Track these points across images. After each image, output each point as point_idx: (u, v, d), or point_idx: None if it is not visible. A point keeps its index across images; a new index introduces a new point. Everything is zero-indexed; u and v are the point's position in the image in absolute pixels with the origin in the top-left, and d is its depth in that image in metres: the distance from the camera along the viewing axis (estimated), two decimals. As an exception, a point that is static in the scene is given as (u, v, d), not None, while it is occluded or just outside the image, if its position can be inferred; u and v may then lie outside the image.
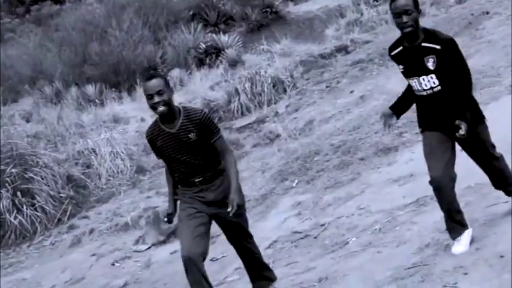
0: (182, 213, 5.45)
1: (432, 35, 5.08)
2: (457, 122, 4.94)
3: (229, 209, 5.18)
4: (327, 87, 13.58)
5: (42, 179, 11.10)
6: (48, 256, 9.82)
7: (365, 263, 5.81)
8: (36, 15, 30.52)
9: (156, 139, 5.39)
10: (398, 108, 5.57)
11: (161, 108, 5.16)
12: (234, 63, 16.84)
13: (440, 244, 5.45)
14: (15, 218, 10.68)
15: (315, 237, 6.89)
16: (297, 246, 7.05)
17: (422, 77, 5.09)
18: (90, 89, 18.19)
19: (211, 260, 7.57)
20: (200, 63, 18.40)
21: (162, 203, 9.61)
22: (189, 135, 5.24)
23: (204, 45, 18.70)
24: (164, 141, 5.34)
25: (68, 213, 10.98)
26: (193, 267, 5.19)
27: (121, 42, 19.52)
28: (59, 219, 10.88)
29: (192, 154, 5.30)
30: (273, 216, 8.23)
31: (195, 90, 15.56)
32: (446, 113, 5.09)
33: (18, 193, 10.92)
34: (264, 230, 7.77)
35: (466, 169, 6.91)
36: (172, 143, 5.30)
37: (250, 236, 5.77)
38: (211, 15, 21.22)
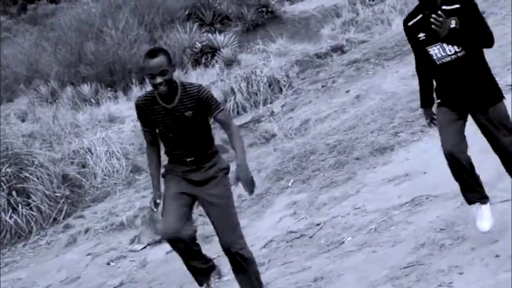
0: (166, 191, 5.35)
1: None
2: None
3: (236, 186, 5.11)
4: (322, 86, 13.59)
5: (38, 178, 11.08)
6: (44, 255, 9.80)
7: (360, 262, 5.81)
8: (32, 14, 30.52)
9: (149, 111, 5.21)
10: (427, 101, 5.52)
11: (163, 89, 4.98)
12: (229, 63, 16.85)
13: (435, 244, 5.46)
14: (10, 217, 10.66)
15: (311, 237, 6.89)
16: (292, 245, 7.05)
17: (442, 43, 4.92)
18: (86, 89, 18.19)
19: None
20: (196, 62, 18.42)
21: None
22: (185, 113, 5.08)
23: (199, 45, 18.73)
24: (158, 116, 5.18)
25: (64, 212, 10.96)
26: (179, 243, 5.20)
27: (116, 42, 19.53)
28: (55, 219, 10.86)
29: (186, 132, 5.16)
30: (268, 215, 8.22)
31: (191, 89, 15.54)
32: (468, 84, 5.00)
33: (14, 192, 10.90)
34: (259, 230, 7.77)
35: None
36: (166, 119, 5.15)
37: (235, 228, 5.46)
38: (207, 14, 21.24)
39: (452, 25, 4.81)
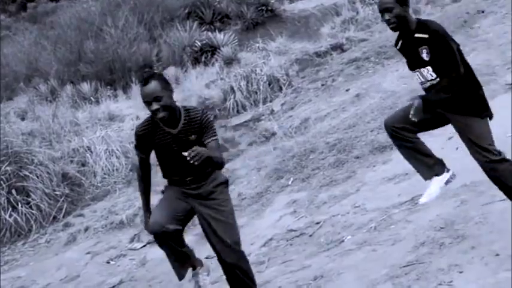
0: (164, 195, 5.35)
1: (423, 25, 5.03)
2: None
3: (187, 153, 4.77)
4: (322, 85, 13.58)
5: (37, 176, 11.08)
6: (44, 254, 9.81)
7: (360, 261, 5.81)
8: (32, 13, 30.50)
9: (151, 138, 5.14)
10: None
11: (161, 115, 4.92)
12: (229, 61, 16.83)
13: (435, 242, 5.46)
14: (10, 215, 10.66)
15: (310, 235, 6.89)
16: (292, 244, 7.05)
17: (422, 69, 5.03)
18: (86, 87, 18.16)
19: (207, 257, 7.56)
20: (195, 61, 18.38)
21: (157, 201, 9.62)
22: (190, 137, 5.05)
23: (199, 43, 18.69)
24: (161, 141, 5.12)
25: (63, 211, 10.96)
26: (164, 237, 5.08)
27: (116, 40, 19.50)
28: (54, 217, 10.86)
29: None
30: (268, 214, 8.23)
31: (191, 88, 15.55)
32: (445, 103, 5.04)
33: (13, 191, 10.90)
34: (259, 228, 7.78)
35: (462, 167, 6.93)
36: (170, 144, 5.09)
37: (236, 246, 5.27)
38: (206, 13, 21.21)
39: (424, 54, 4.96)
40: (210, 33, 19.44)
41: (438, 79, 4.97)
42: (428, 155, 5.41)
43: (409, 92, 10.42)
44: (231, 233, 5.24)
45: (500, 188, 5.13)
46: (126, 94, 17.69)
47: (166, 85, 4.99)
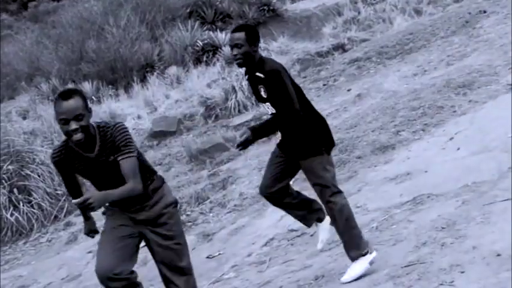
0: (106, 225, 4.71)
1: (262, 64, 5.29)
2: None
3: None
4: (324, 85, 13.59)
5: (39, 176, 11.08)
6: (45, 253, 9.81)
7: (361, 261, 5.80)
8: (33, 12, 30.54)
9: (68, 164, 4.52)
10: None
11: (78, 137, 4.24)
12: (231, 61, 16.81)
13: (437, 242, 5.45)
14: (11, 214, 10.67)
15: (312, 235, 6.88)
16: (293, 244, 7.05)
17: (263, 104, 5.42)
18: (87, 86, 18.18)
19: (208, 257, 7.58)
20: (197, 60, 18.40)
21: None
22: (109, 159, 4.40)
23: (201, 43, 18.71)
24: (83, 166, 4.48)
25: (65, 210, 10.96)
26: (114, 283, 4.52)
27: (118, 40, 19.50)
28: (56, 216, 10.87)
29: (117, 177, 4.37)
30: (269, 214, 8.22)
31: (192, 87, 15.56)
32: (289, 141, 5.45)
33: (15, 190, 10.91)
34: (260, 228, 7.77)
35: (463, 168, 6.94)
36: (91, 170, 4.47)
37: (186, 273, 4.84)
38: (208, 13, 21.21)
39: (262, 92, 5.28)
40: (211, 32, 19.45)
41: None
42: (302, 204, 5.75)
43: (411, 92, 10.43)
44: (180, 260, 4.79)
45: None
46: (127, 93, 17.71)
47: (87, 103, 4.37)
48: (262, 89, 5.27)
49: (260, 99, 5.41)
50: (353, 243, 5.41)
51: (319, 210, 5.65)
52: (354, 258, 5.42)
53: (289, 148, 5.46)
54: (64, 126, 4.23)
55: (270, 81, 5.18)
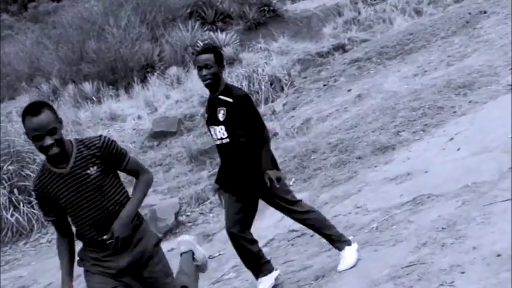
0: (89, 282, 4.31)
1: (229, 89, 5.55)
2: (266, 179, 5.47)
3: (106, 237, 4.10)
4: (324, 85, 13.59)
5: (39, 176, 11.07)
6: (45, 253, 9.81)
7: (362, 261, 5.81)
8: (34, 12, 30.55)
9: (48, 188, 4.13)
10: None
11: (54, 151, 3.96)
12: (231, 61, 16.84)
13: (437, 243, 5.45)
14: (11, 215, 10.67)
15: (312, 236, 6.87)
16: (293, 244, 7.05)
17: (215, 126, 5.56)
18: (87, 87, 18.19)
19: (209, 257, 7.57)
20: (197, 61, 18.37)
21: (159, 200, 9.63)
22: (88, 172, 4.09)
23: (201, 43, 18.70)
24: (56, 187, 4.11)
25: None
26: None
27: (118, 40, 19.51)
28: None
29: (96, 197, 4.12)
30: (270, 214, 8.21)
31: (193, 88, 15.57)
32: (236, 169, 5.61)
33: (15, 190, 10.91)
34: (260, 228, 7.76)
35: (463, 168, 6.94)
36: (66, 186, 4.10)
37: None
38: (208, 13, 21.22)
39: (220, 115, 5.48)
40: (212, 33, 19.46)
41: (228, 139, 5.50)
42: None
43: (411, 93, 10.43)
44: None
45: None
46: (128, 94, 17.72)
47: (57, 115, 4.06)
48: (221, 112, 5.46)
49: (213, 122, 5.56)
50: (335, 235, 5.80)
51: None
52: (341, 248, 5.74)
53: (238, 178, 5.64)
54: (38, 143, 3.95)
55: (239, 106, 5.42)
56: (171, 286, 4.47)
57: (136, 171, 4.35)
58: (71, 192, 4.10)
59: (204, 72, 5.41)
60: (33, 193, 4.39)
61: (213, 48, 5.62)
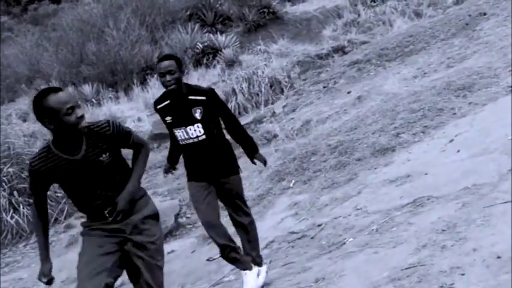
0: (83, 251, 4.50)
1: (194, 89, 5.79)
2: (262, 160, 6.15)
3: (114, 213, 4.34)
4: (324, 87, 13.59)
5: (39, 178, 11.07)
6: (45, 255, 9.79)
7: (362, 263, 5.80)
8: (33, 14, 30.54)
9: (49, 171, 4.22)
10: (172, 160, 6.43)
11: (84, 123, 4.24)
12: (231, 63, 16.86)
13: (437, 245, 5.45)
14: (11, 217, 10.67)
15: (312, 238, 6.88)
16: (293, 246, 7.05)
17: (189, 126, 5.71)
18: (87, 89, 18.21)
19: (208, 260, 7.58)
20: (197, 63, 18.41)
21: (159, 202, 9.62)
22: (100, 158, 4.28)
23: (201, 45, 18.72)
24: (66, 172, 4.23)
25: (65, 212, 10.96)
26: None
27: (118, 42, 19.53)
28: (56, 219, 10.87)
29: (106, 181, 4.34)
30: (269, 216, 8.23)
31: (192, 90, 15.55)
32: (211, 161, 5.84)
33: (15, 192, 10.91)
34: (260, 230, 7.75)
35: (463, 170, 6.93)
36: (75, 173, 4.24)
37: (159, 286, 4.76)
38: (208, 15, 21.23)
39: (197, 114, 5.68)
40: (211, 35, 19.47)
41: (205, 136, 5.71)
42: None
43: (411, 95, 10.43)
44: (155, 276, 4.72)
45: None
46: (127, 96, 17.73)
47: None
48: (198, 111, 5.66)
49: (185, 123, 5.70)
50: (258, 249, 6.22)
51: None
52: (258, 263, 6.16)
53: (213, 168, 5.86)
54: (72, 115, 4.14)
55: (213, 100, 5.71)
56: (148, 264, 4.63)
57: (140, 145, 4.69)
58: (83, 178, 4.28)
59: (168, 77, 5.57)
60: (28, 170, 4.34)
61: (173, 56, 5.79)
